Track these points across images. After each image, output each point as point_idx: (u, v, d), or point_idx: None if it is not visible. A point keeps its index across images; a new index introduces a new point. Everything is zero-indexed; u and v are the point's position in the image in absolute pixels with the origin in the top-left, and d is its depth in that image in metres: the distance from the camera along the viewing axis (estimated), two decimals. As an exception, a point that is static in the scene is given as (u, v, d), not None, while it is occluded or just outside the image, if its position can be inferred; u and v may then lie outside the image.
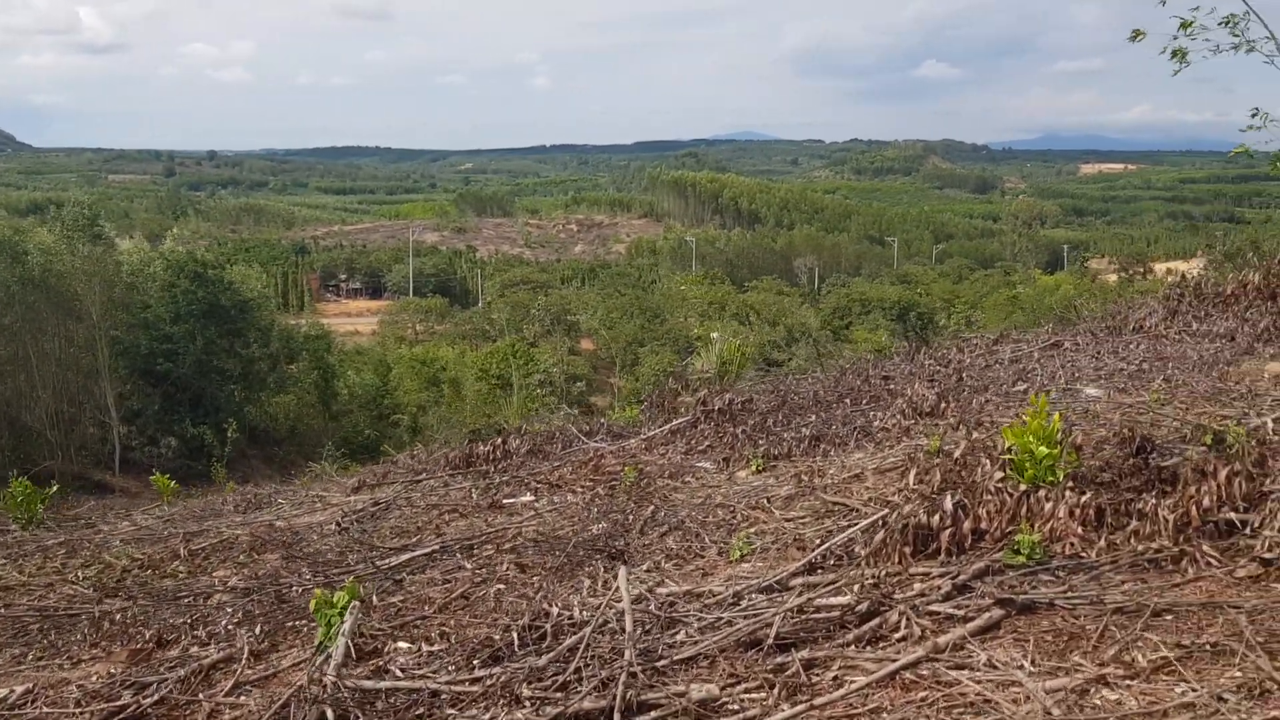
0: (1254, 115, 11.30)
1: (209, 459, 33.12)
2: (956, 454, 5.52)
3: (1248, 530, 4.30)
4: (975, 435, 6.06)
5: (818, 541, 5.12)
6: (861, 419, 8.15)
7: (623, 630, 3.98)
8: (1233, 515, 4.36)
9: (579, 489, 7.76)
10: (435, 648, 4.30)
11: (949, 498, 4.79)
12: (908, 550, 4.60)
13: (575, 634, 4.03)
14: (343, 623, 4.33)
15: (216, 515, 10.42)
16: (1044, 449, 4.80)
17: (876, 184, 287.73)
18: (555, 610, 4.32)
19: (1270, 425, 5.76)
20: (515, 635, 4.10)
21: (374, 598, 5.23)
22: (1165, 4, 11.75)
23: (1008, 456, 4.95)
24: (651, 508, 6.64)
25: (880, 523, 4.92)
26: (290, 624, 5.16)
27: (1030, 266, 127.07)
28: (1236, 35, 11.84)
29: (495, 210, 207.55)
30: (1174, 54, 11.67)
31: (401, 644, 4.44)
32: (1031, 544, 4.33)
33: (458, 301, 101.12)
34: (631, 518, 6.44)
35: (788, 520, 5.82)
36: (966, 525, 4.66)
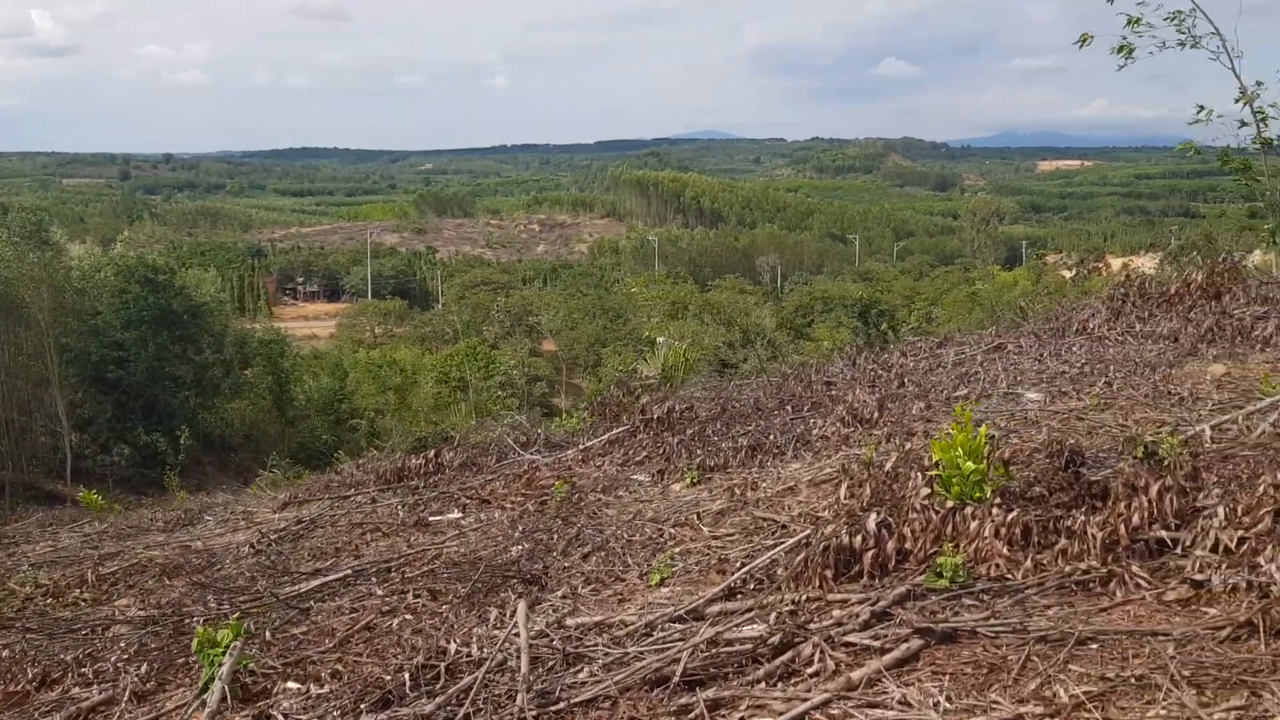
0: (1200, 111, 11.27)
1: (163, 467, 32.54)
2: (888, 467, 5.31)
3: (1178, 549, 4.11)
4: (909, 446, 5.86)
5: (739, 564, 4.89)
6: (801, 427, 7.95)
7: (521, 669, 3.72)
8: (1163, 533, 4.18)
9: (509, 504, 7.50)
10: (325, 689, 4.03)
11: (873, 517, 4.57)
12: (829, 573, 4.38)
13: (471, 674, 3.77)
14: (220, 666, 4.04)
15: (142, 533, 10.05)
16: (970, 464, 4.60)
17: (838, 182, 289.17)
18: (453, 647, 4.06)
19: (1208, 433, 5.61)
20: (407, 676, 3.83)
21: (267, 632, 4.93)
22: (1114, 1, 11.70)
23: (935, 472, 4.75)
24: (578, 526, 6.39)
25: (804, 543, 4.70)
26: (183, 660, 4.85)
27: (989, 263, 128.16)
28: (1183, 32, 11.81)
29: (456, 211, 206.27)
30: (1120, 49, 11.62)
31: (291, 684, 4.15)
32: (954, 566, 4.12)
33: (418, 303, 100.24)
34: (556, 537, 6.18)
35: (715, 539, 5.59)
36: (890, 545, 4.45)
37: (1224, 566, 3.84)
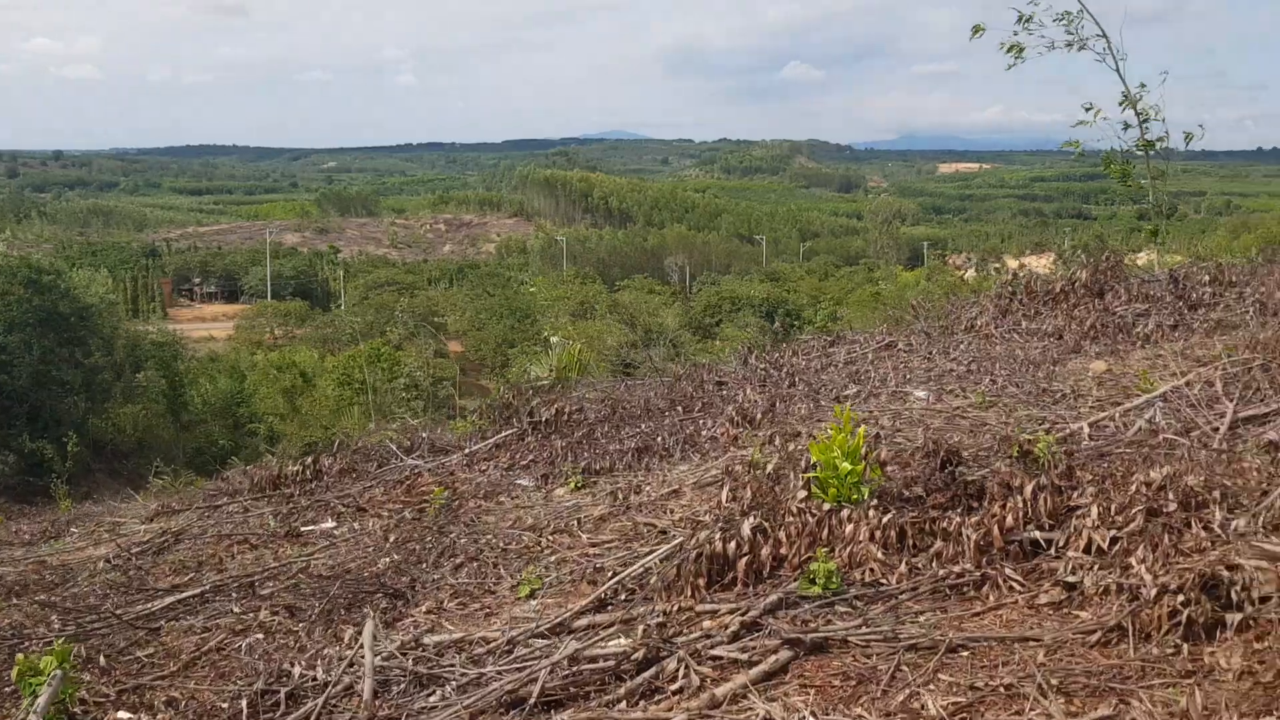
0: (1088, 109, 11.45)
1: (50, 475, 31.24)
2: (769, 468, 5.17)
3: (1052, 550, 4.05)
4: (793, 446, 5.74)
5: (612, 574, 4.69)
6: (690, 427, 7.80)
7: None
8: (1037, 534, 4.11)
9: (385, 513, 7.19)
10: (158, 718, 3.71)
11: (747, 522, 4.42)
12: (702, 582, 4.21)
13: (315, 699, 3.49)
14: (38, 697, 3.69)
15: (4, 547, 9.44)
16: (847, 465, 4.48)
17: (745, 183, 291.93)
18: (298, 670, 3.77)
19: (1085, 430, 5.60)
20: (245, 703, 3.54)
21: (101, 657, 4.56)
22: None
23: (812, 475, 4.62)
24: (453, 535, 6.13)
25: (678, 550, 4.52)
26: (12, 689, 4.45)
27: (892, 263, 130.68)
28: (1071, 33, 12.00)
29: (360, 210, 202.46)
30: (1010, 49, 11.75)
31: (122, 714, 3.82)
32: (828, 572, 3.99)
33: (319, 304, 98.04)
34: (428, 547, 5.91)
35: (593, 546, 5.39)
36: (766, 551, 4.31)
37: (1096, 568, 3.78)
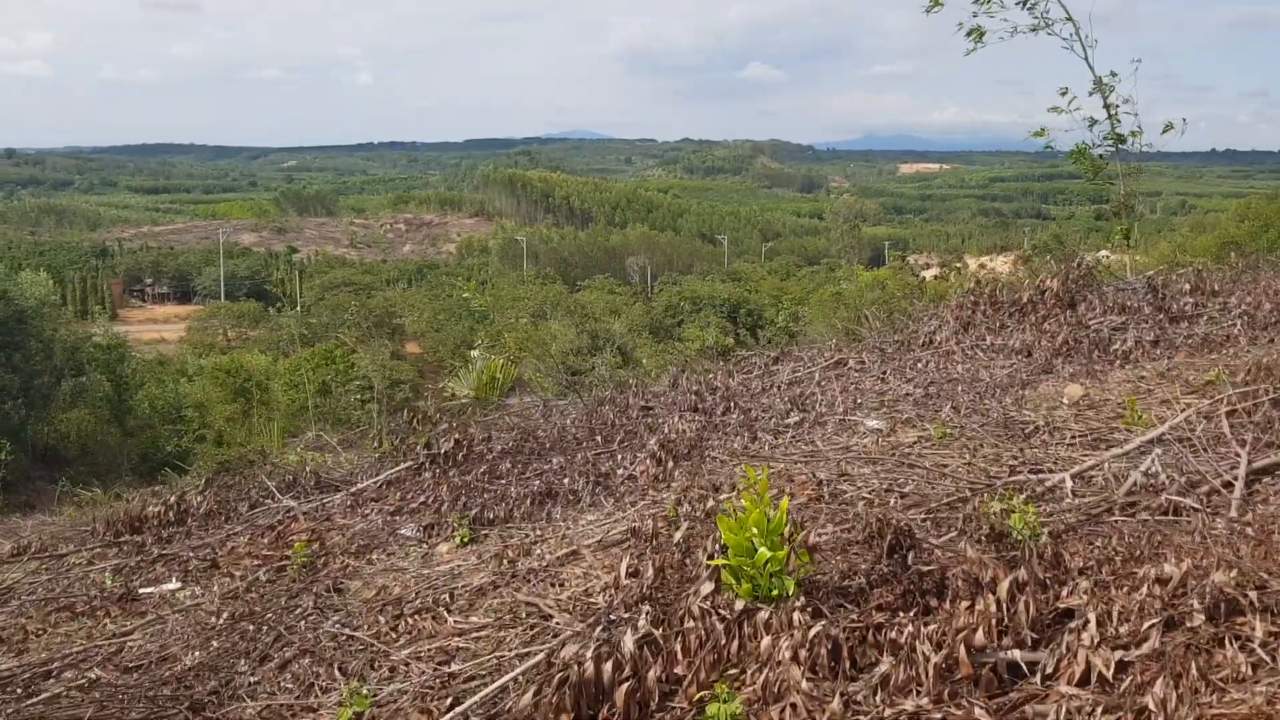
0: (1063, 94, 10.53)
1: None
2: (678, 536, 4.10)
3: (1037, 677, 3.02)
4: (709, 504, 4.67)
5: (460, 692, 3.60)
6: (608, 464, 6.72)
7: None
8: (1017, 654, 3.08)
9: (239, 571, 6.04)
10: None
11: (629, 635, 3.35)
12: (568, 718, 3.14)
13: None
14: None
15: None
16: (766, 551, 3.42)
17: (708, 183, 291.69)
18: None
19: (1069, 485, 4.58)
20: None
21: None
22: None
23: (722, 561, 3.55)
24: (300, 609, 5.00)
25: (543, 667, 3.44)
26: None
27: (853, 263, 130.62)
28: (1035, 17, 11.09)
29: (319, 209, 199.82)
30: (970, 33, 10.80)
31: None
32: (731, 717, 2.94)
33: (273, 305, 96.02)
34: (264, 629, 4.77)
35: (458, 636, 4.28)
36: (654, 673, 3.23)
37: (1100, 712, 2.75)
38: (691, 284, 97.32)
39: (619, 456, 6.88)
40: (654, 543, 4.46)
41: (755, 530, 3.47)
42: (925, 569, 3.55)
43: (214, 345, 77.27)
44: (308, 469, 8.03)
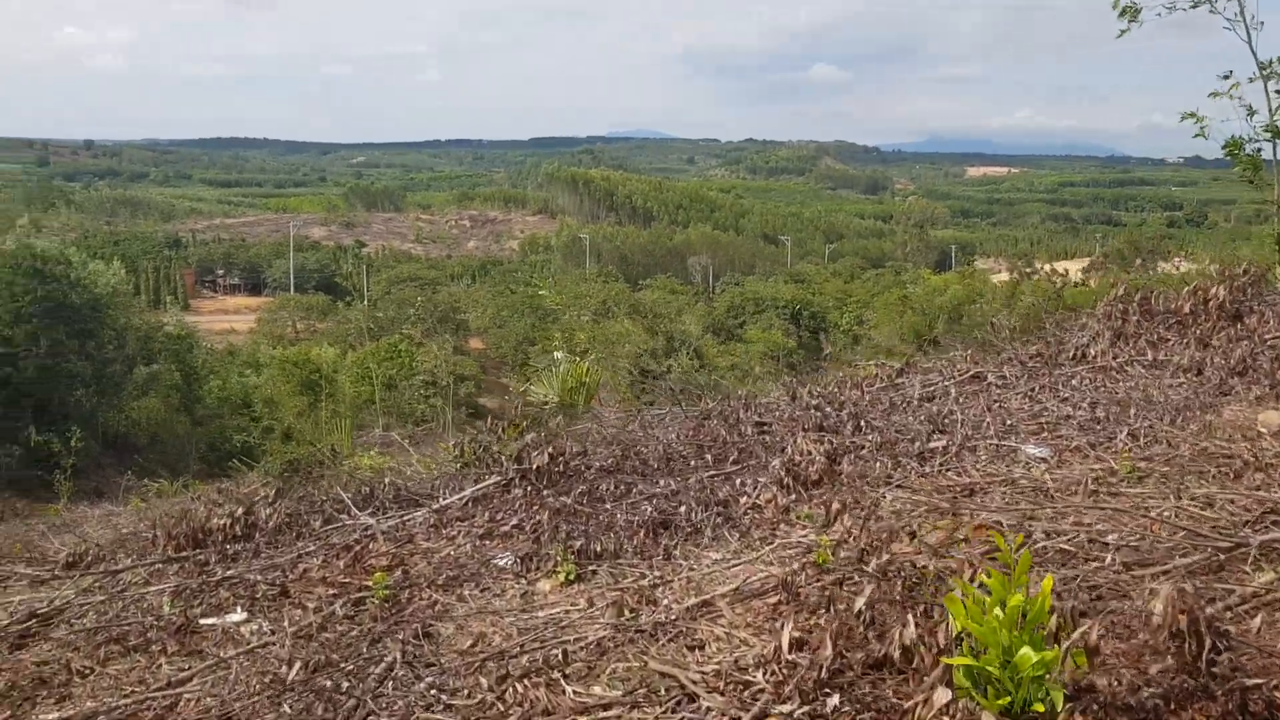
0: (1225, 78, 9.45)
1: (56, 469, 30.08)
2: (860, 604, 3.26)
3: None
4: (883, 559, 3.81)
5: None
6: (725, 488, 5.88)
7: None
8: None
9: (313, 602, 5.31)
10: None
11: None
12: None
13: None
14: None
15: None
16: (1030, 651, 2.56)
17: (771, 183, 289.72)
18: None
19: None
20: None
21: None
22: None
23: (965, 662, 2.68)
24: (388, 659, 4.24)
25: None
26: None
27: (920, 266, 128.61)
28: None
29: (386, 205, 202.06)
30: (1123, 11, 9.78)
31: None
32: None
33: (342, 298, 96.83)
34: (343, 689, 4.02)
35: (580, 717, 3.48)
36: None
37: None
38: (754, 285, 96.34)
39: (737, 480, 6.04)
40: (809, 601, 3.63)
41: (1001, 619, 2.62)
42: (1250, 681, 2.67)
43: (283, 337, 78.07)
44: (386, 481, 7.29)
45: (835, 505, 4.04)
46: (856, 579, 3.88)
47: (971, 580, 3.34)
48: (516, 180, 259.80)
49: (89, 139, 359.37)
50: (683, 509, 5.51)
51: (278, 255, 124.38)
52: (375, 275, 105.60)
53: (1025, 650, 2.57)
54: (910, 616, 3.20)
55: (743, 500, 5.60)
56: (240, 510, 6.90)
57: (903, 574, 3.61)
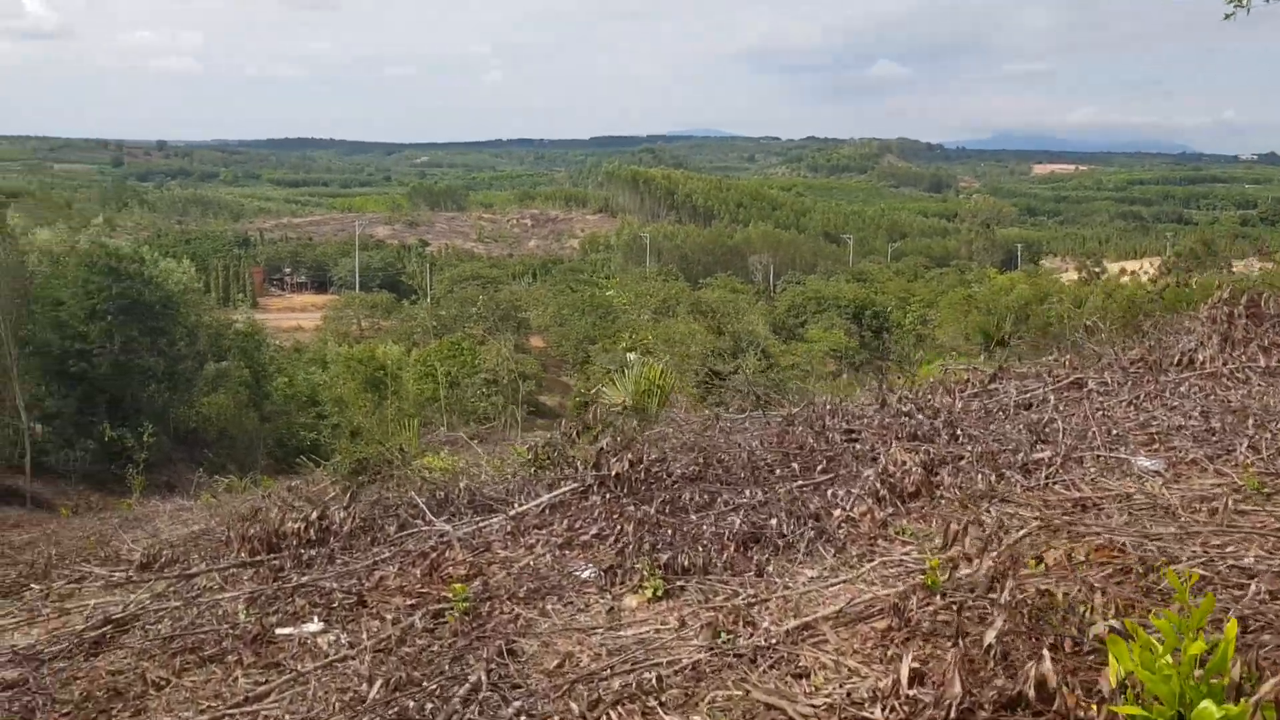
0: None
1: (129, 463, 30.68)
2: (990, 637, 2.99)
3: None
4: (1009, 586, 3.52)
5: None
6: (816, 500, 5.61)
7: None
8: None
9: (391, 613, 5.15)
10: None
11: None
12: None
13: None
14: None
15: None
16: (1210, 703, 2.27)
17: (832, 181, 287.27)
18: None
19: None
20: None
21: None
22: None
23: (1135, 713, 2.38)
24: (471, 679, 4.05)
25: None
26: None
27: (985, 265, 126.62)
28: None
29: (449, 204, 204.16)
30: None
31: None
32: None
33: (406, 296, 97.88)
34: (430, 711, 3.83)
35: (681, 747, 3.25)
36: None
37: None
38: (815, 284, 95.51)
39: (827, 491, 5.77)
40: (921, 628, 3.36)
41: (1170, 665, 2.34)
42: None
43: (348, 334, 79.06)
44: (461, 485, 7.13)
45: (954, 526, 3.76)
46: (973, 602, 3.60)
47: (1116, 613, 3.05)
48: (577, 179, 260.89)
49: (161, 140, 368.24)
50: (773, 522, 5.25)
51: (343, 254, 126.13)
52: (438, 274, 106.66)
53: (1206, 705, 2.27)
54: (1046, 651, 2.93)
55: (836, 513, 5.33)
56: (315, 514, 6.79)
57: (1030, 603, 3.32)
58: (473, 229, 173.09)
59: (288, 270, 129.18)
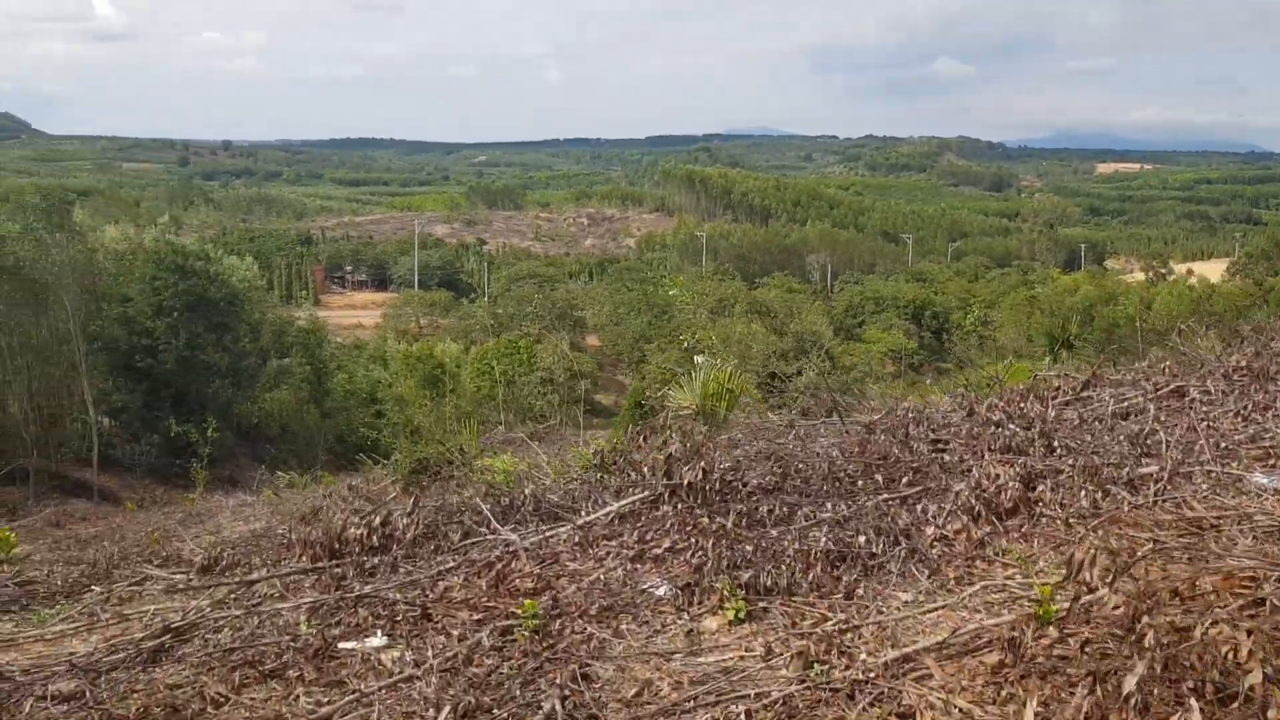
0: None
1: (193, 458, 31.11)
2: (1130, 684, 2.66)
3: None
4: (1150, 619, 3.17)
5: None
6: (905, 516, 5.27)
7: None
8: None
9: (457, 628, 4.91)
10: None
11: None
12: None
13: None
14: None
15: None
16: None
17: (891, 180, 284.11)
18: None
19: None
20: None
21: None
22: None
23: None
24: (545, 707, 3.79)
25: None
26: None
27: (1048, 265, 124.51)
28: None
29: (506, 203, 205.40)
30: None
31: None
32: None
33: (463, 295, 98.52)
34: (500, 741, 3.58)
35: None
36: None
37: None
38: (874, 284, 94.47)
39: (916, 506, 5.43)
40: (1038, 664, 3.03)
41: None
42: None
43: (407, 332, 79.71)
44: (526, 491, 6.89)
45: (1078, 554, 3.42)
46: (1098, 638, 3.26)
47: (1265, 655, 2.71)
48: (633, 178, 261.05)
49: (227, 140, 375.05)
50: (861, 539, 4.92)
51: (403, 252, 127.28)
52: (495, 272, 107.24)
53: None
54: (1192, 701, 2.60)
55: (928, 530, 4.99)
56: (377, 519, 6.60)
57: (1166, 642, 2.98)
58: (530, 228, 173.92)
59: (349, 268, 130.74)
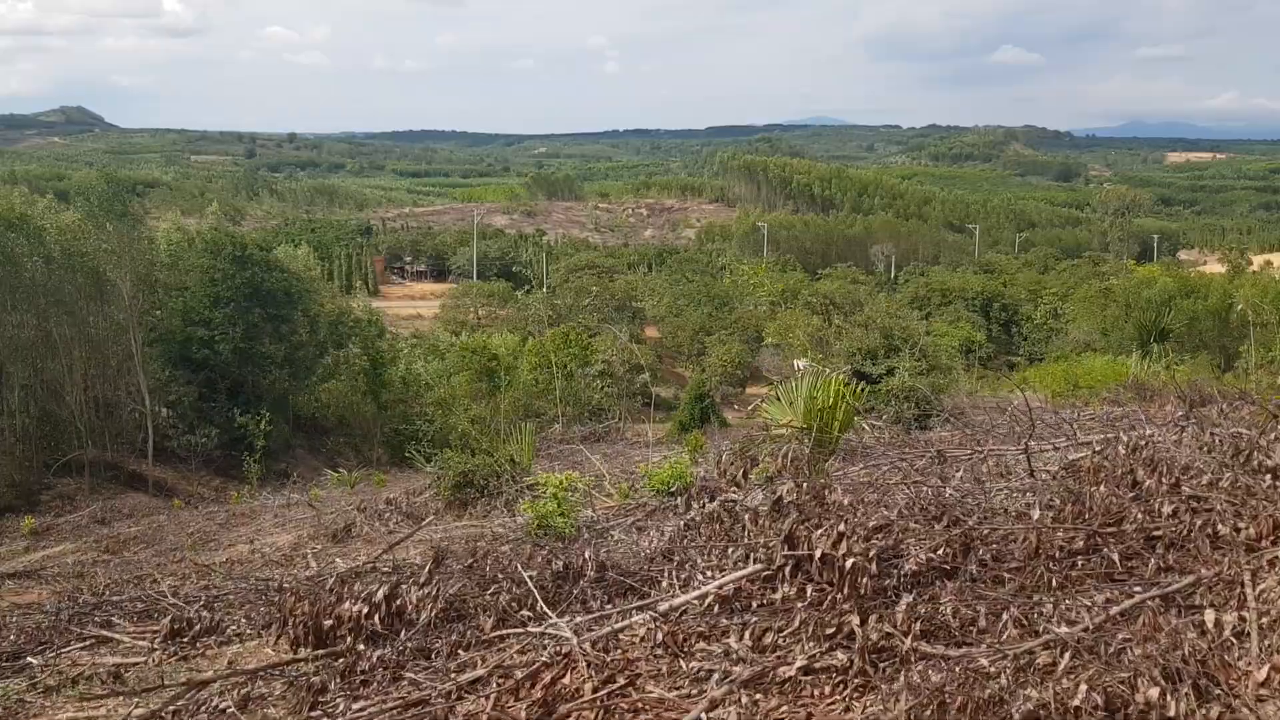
0: None
1: (249, 450, 30.19)
2: None
3: None
4: None
5: None
6: (1185, 628, 3.31)
7: None
8: None
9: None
10: None
11: None
12: None
13: None
14: None
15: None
16: None
17: (955, 170, 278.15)
18: None
19: None
20: None
21: None
22: None
23: None
24: None
25: None
26: None
27: (1120, 257, 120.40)
28: None
29: (565, 194, 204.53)
30: None
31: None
32: None
33: (522, 285, 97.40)
34: None
35: None
36: None
37: None
38: (939, 275, 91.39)
39: (1177, 600, 3.46)
40: None
41: None
42: None
43: (465, 323, 78.65)
44: (585, 555, 5.01)
45: None
46: None
47: None
48: (693, 169, 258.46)
49: (292, 132, 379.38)
50: (1141, 683, 2.97)
51: (462, 243, 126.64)
52: (554, 263, 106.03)
53: None
54: None
55: (1241, 662, 3.04)
56: (380, 593, 4.77)
57: None
58: (589, 218, 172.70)
59: (408, 259, 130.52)
